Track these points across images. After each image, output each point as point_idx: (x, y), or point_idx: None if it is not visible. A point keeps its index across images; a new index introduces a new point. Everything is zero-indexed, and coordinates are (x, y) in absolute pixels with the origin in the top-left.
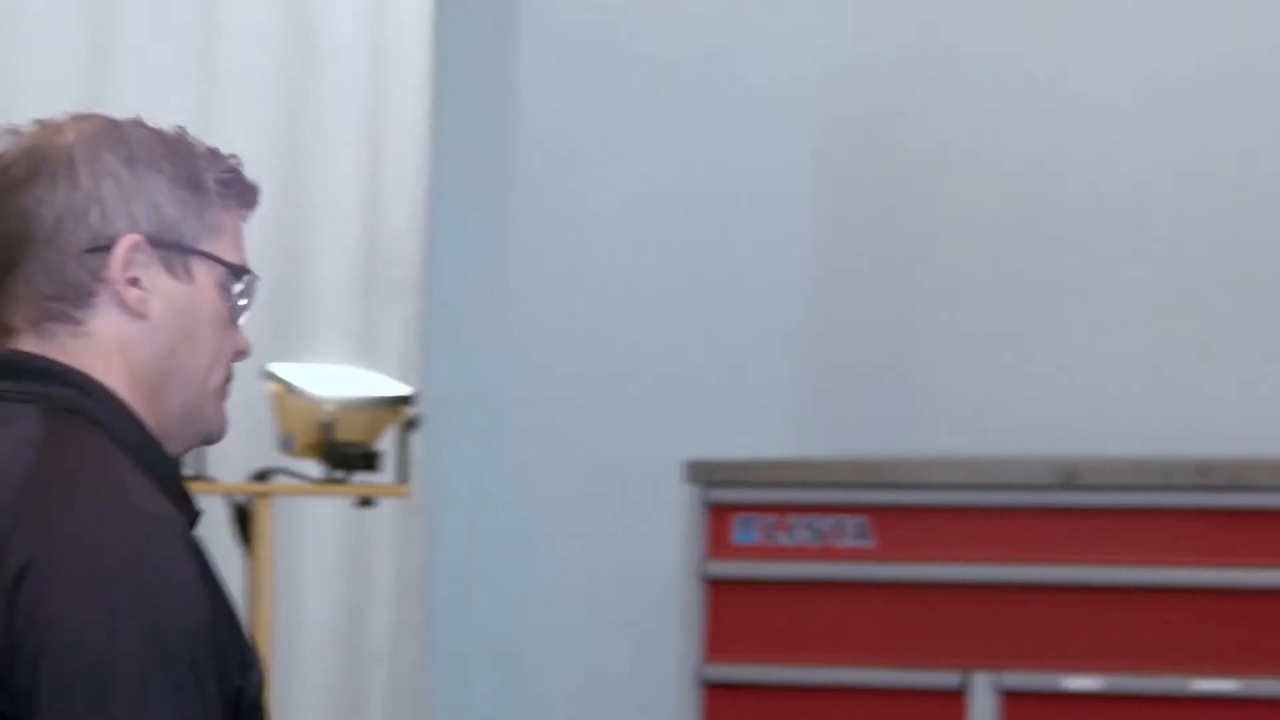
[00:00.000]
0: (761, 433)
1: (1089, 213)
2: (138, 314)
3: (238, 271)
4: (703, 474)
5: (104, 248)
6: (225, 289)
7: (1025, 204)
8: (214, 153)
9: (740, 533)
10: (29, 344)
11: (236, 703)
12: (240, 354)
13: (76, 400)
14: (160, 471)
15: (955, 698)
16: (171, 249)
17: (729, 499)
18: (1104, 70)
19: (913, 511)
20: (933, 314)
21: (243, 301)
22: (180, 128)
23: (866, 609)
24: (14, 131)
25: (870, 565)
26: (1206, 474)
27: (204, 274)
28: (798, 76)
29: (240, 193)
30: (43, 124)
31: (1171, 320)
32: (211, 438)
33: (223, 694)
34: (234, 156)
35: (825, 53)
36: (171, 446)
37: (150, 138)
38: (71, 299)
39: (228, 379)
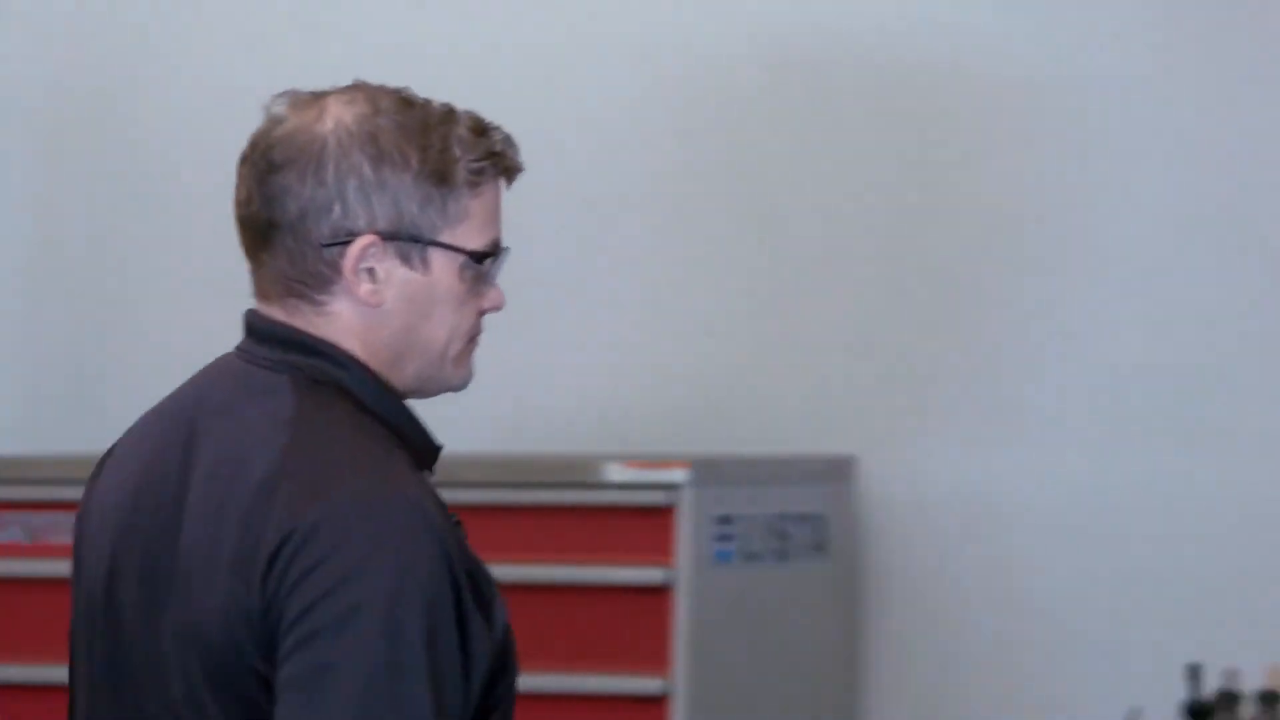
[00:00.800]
0: None
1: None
2: (371, 305)
3: (478, 257)
4: None
5: (342, 243)
6: (464, 270)
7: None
8: (476, 133)
9: None
10: (277, 314)
11: (487, 654)
12: (493, 308)
13: (324, 369)
14: (401, 423)
15: None
16: (409, 242)
17: None
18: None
19: None
20: None
21: (486, 276)
22: (447, 106)
23: None
24: (288, 100)
25: None
26: None
27: (441, 263)
28: None
29: (497, 173)
30: (312, 101)
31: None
32: (453, 390)
33: (466, 649)
34: (497, 129)
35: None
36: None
37: (403, 130)
38: (311, 284)
39: (474, 336)
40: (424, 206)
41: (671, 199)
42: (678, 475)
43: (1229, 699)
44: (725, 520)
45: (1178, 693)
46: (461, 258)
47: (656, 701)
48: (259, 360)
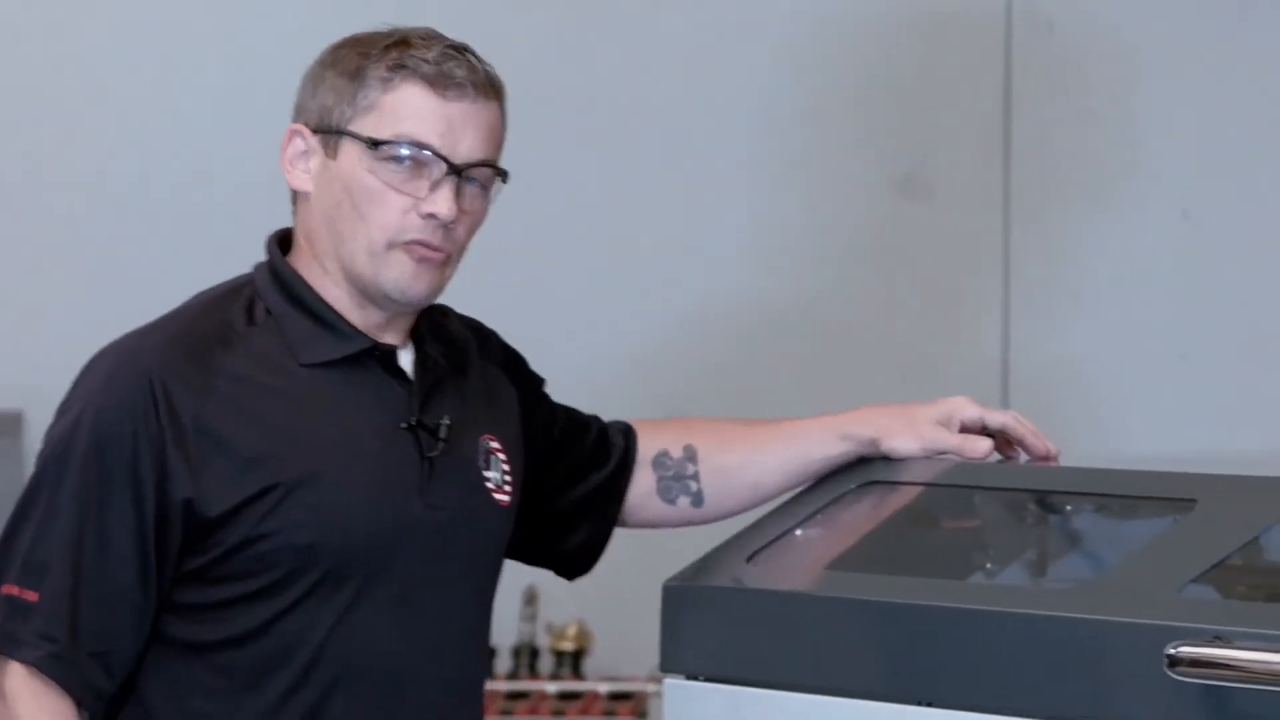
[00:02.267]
0: None
1: None
2: (300, 191)
3: (374, 143)
4: None
5: None
6: (369, 160)
7: None
8: (415, 41)
9: None
10: None
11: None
12: (430, 214)
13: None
14: (281, 311)
15: None
16: (329, 133)
17: None
18: None
19: None
20: None
21: (395, 167)
22: (435, 33)
23: None
24: None
25: None
26: None
27: (349, 151)
28: None
29: (416, 74)
30: None
31: None
32: (391, 296)
33: (140, 493)
34: (440, 45)
35: None
36: (375, 306)
37: (357, 43)
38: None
39: (411, 243)
40: (339, 99)
41: None
42: None
43: None
44: None
45: None
46: (362, 145)
47: None
48: None
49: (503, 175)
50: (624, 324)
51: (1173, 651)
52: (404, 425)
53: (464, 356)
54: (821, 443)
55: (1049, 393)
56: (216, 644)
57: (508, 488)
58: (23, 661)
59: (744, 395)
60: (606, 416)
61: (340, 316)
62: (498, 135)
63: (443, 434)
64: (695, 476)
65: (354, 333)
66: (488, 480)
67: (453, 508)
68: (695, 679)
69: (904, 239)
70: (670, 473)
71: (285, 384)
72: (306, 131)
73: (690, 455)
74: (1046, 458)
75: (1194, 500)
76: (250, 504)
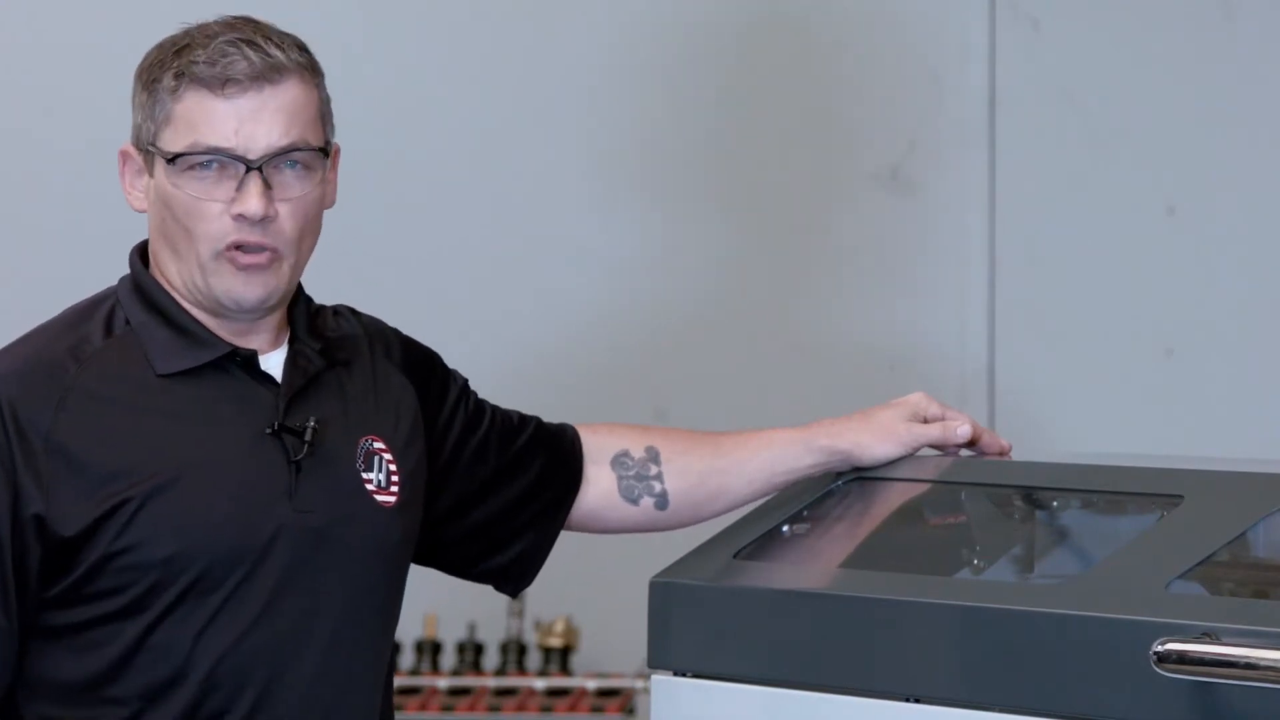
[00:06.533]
0: None
1: None
2: (136, 209)
3: (171, 159)
4: None
5: None
6: (169, 172)
7: None
8: (194, 45)
9: None
10: None
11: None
12: (239, 214)
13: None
14: (138, 323)
15: None
16: (143, 150)
17: None
18: None
19: None
20: None
21: (197, 177)
22: (220, 27)
23: None
24: None
25: None
26: None
27: (159, 167)
28: None
29: (195, 80)
30: None
31: None
32: (227, 306)
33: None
34: (213, 45)
35: None
36: (221, 316)
37: (160, 49)
38: None
39: (224, 251)
40: (145, 115)
41: None
42: None
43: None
44: None
45: None
46: (164, 162)
47: None
48: None
49: (324, 149)
50: (609, 328)
51: (1160, 648)
52: (268, 430)
53: (350, 354)
54: (789, 454)
55: (1035, 389)
56: (91, 679)
57: (394, 489)
58: None
59: (726, 393)
60: (590, 415)
61: (200, 324)
62: (304, 112)
63: (308, 436)
64: (659, 477)
65: (213, 340)
66: (368, 481)
67: (324, 509)
68: (683, 675)
69: (889, 235)
70: (632, 473)
71: (141, 396)
72: (134, 151)
73: (653, 456)
74: (1001, 453)
75: (1181, 496)
76: (104, 520)
